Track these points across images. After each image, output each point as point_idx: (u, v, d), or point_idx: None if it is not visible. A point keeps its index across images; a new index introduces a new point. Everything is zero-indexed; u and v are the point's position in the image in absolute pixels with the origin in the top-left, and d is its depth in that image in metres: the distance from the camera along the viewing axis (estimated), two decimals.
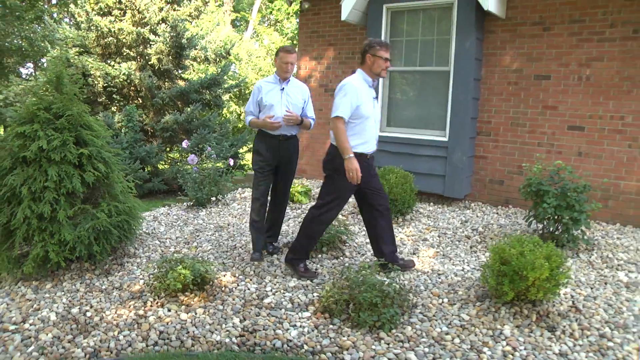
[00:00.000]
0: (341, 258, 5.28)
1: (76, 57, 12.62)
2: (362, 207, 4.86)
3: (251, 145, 11.86)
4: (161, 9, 13.37)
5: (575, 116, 6.71)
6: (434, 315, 3.97)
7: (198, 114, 12.65)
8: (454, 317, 3.94)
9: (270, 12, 28.67)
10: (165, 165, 12.56)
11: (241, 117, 25.37)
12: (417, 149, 7.37)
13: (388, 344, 3.56)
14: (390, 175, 6.34)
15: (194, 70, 15.71)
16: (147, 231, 6.43)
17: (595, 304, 4.17)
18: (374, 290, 3.82)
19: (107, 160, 5.39)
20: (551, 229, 5.45)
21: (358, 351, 3.48)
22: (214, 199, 7.90)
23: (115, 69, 12.54)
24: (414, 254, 5.38)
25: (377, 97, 4.98)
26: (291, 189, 7.17)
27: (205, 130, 11.62)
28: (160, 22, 13.29)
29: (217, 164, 8.42)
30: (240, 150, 14.24)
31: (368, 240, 5.72)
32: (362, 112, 4.47)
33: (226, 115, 24.81)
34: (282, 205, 5.46)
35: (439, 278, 4.71)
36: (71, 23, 14.83)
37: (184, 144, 8.81)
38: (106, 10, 13.28)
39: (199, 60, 14.47)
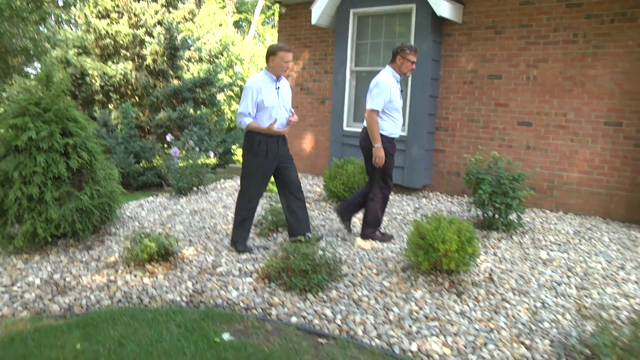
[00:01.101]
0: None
1: (75, 57, 13.30)
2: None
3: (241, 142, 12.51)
4: (157, 12, 14.04)
5: (524, 113, 7.30)
6: (359, 283, 4.57)
7: (192, 111, 13.29)
8: (377, 284, 4.54)
9: (273, 14, 29.32)
10: (160, 161, 13.18)
11: None
12: None
13: (312, 303, 4.17)
14: (349, 166, 6.96)
15: (188, 70, 16.34)
16: (130, 215, 7.08)
17: (510, 276, 4.75)
18: (306, 260, 4.43)
19: (91, 150, 6.02)
20: (488, 213, 6.04)
21: (284, 307, 4.10)
22: (195, 188, 8.52)
23: (113, 69, 13.23)
24: (363, 234, 5.98)
25: (402, 91, 5.64)
26: None
27: (196, 127, 12.26)
28: (156, 24, 13.97)
29: (205, 159, 9.05)
30: (234, 147, 14.84)
31: (321, 222, 6.36)
32: (394, 104, 5.33)
33: (228, 114, 25.46)
34: (302, 199, 5.46)
35: (376, 254, 5.31)
36: (72, 25, 15.56)
37: (168, 137, 9.43)
38: (104, 13, 13.97)
39: (193, 60, 15.12)
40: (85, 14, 13.53)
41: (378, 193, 5.56)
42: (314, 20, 8.31)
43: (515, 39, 7.30)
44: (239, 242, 5.42)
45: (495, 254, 5.31)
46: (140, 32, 13.82)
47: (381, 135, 5.34)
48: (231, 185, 8.74)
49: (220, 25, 28.22)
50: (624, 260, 5.25)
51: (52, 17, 20.39)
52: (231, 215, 6.85)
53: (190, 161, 8.45)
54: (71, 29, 15.19)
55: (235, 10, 30.97)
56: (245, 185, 5.32)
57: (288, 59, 5.04)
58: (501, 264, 5.04)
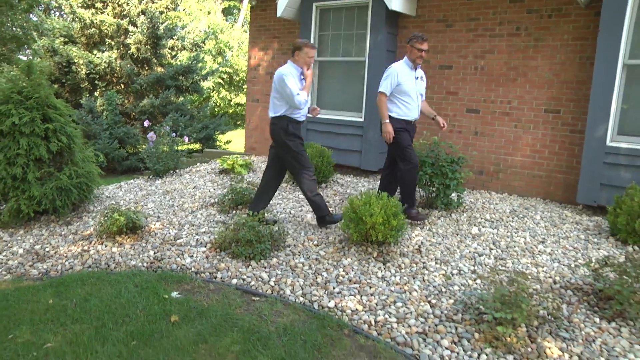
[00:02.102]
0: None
1: (62, 46, 13.84)
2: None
3: (224, 128, 13.07)
4: (140, 2, 14.56)
5: (472, 101, 7.89)
6: (299, 252, 5.18)
7: (174, 98, 13.86)
8: (314, 253, 5.15)
9: None
10: (144, 146, 13.77)
11: (231, 103, 26.56)
12: (339, 128, 8.60)
13: (253, 268, 4.79)
14: (308, 150, 7.54)
15: (176, 57, 16.90)
16: (108, 195, 7.69)
17: (437, 248, 5.35)
18: (252, 231, 5.05)
19: (70, 134, 6.63)
20: (428, 193, 6.65)
21: (228, 272, 4.73)
22: (171, 171, 9.11)
23: (98, 58, 13.78)
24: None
25: (418, 78, 6.15)
26: (232, 162, 8.42)
27: (177, 114, 12.84)
28: (140, 14, 14.49)
29: (181, 145, 9.61)
30: (220, 135, 15.42)
31: (279, 201, 6.96)
32: (403, 88, 5.90)
33: (217, 101, 26.01)
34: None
35: (321, 228, 5.92)
36: (58, 14, 16.08)
37: (145, 123, 10.00)
38: (90, 3, 14.48)
39: (176, 49, 15.65)
40: (70, 4, 14.04)
41: (403, 169, 6.03)
42: (279, 13, 8.86)
43: (464, 31, 7.87)
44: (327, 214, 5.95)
45: (430, 230, 5.90)
46: (125, 21, 14.35)
47: (391, 117, 5.97)
48: (205, 169, 9.31)
49: (209, 13, 28.65)
50: (547, 235, 5.85)
51: (41, 5, 20.90)
52: (199, 194, 7.44)
53: (165, 147, 9.00)
54: (60, 16, 15.68)
55: None
56: (303, 161, 5.81)
57: (312, 54, 5.68)
58: (433, 238, 5.63)
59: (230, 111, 26.42)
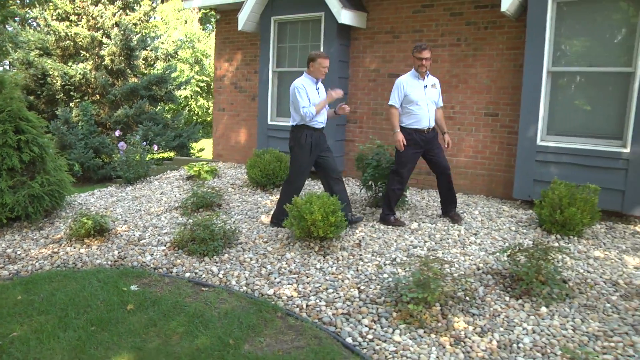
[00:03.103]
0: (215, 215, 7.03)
1: (37, 58, 14.30)
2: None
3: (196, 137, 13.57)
4: (114, 14, 15.06)
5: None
6: (249, 248, 5.73)
7: (148, 107, 14.36)
8: (262, 249, 5.70)
9: None
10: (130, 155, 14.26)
11: (209, 111, 27.07)
12: None
13: (206, 263, 5.34)
14: (266, 156, 8.09)
15: (153, 67, 17.38)
16: (81, 202, 8.18)
17: (376, 242, 5.90)
18: (206, 230, 5.59)
19: (42, 144, 7.13)
20: (372, 193, 7.21)
21: (183, 267, 5.27)
22: (141, 178, 9.61)
23: (73, 69, 14.24)
24: (268, 213, 7.09)
25: (427, 86, 6.39)
26: (199, 169, 8.94)
27: (150, 123, 13.34)
28: (114, 26, 14.99)
29: (157, 153, 10.10)
30: (194, 143, 15.92)
31: (238, 204, 7.50)
32: (411, 98, 6.27)
33: (195, 110, 26.51)
34: (341, 181, 6.55)
35: (273, 227, 6.46)
36: (34, 26, 16.55)
37: (117, 133, 10.49)
38: (64, 15, 14.96)
39: (150, 59, 16.16)
40: (45, 17, 14.52)
41: (390, 178, 6.60)
42: (240, 27, 9.42)
43: (410, 42, 8.46)
44: None
45: (372, 226, 6.45)
46: (99, 34, 14.84)
47: (402, 127, 6.38)
48: (174, 175, 9.81)
49: (186, 22, 29.13)
50: (481, 228, 6.42)
51: (17, 17, 21.33)
52: (165, 199, 7.96)
53: (137, 156, 9.50)
54: (35, 29, 16.12)
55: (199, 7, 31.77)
56: (293, 177, 6.27)
57: (326, 64, 6.06)
58: (374, 234, 6.18)
59: (208, 119, 26.94)
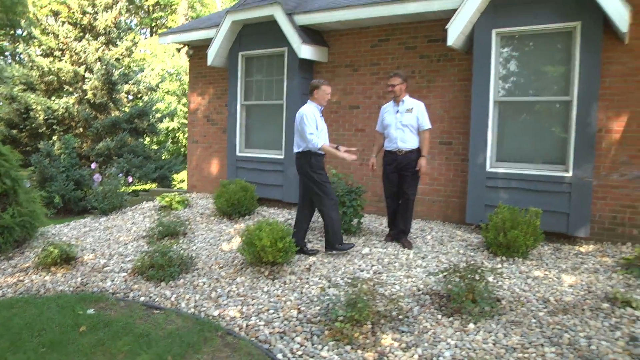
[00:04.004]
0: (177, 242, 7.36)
1: (20, 93, 14.73)
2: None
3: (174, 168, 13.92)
4: (97, 49, 15.53)
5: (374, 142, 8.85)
6: (204, 274, 6.06)
7: (128, 140, 14.76)
8: (216, 274, 6.03)
9: None
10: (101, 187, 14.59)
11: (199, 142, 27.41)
12: (264, 165, 9.55)
13: (162, 288, 5.67)
14: (231, 186, 8.45)
15: (140, 99, 17.77)
16: (54, 233, 8.51)
17: (325, 267, 6.22)
18: (164, 257, 5.92)
19: (15, 177, 7.48)
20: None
21: (139, 291, 5.60)
22: (116, 209, 9.94)
23: (56, 103, 14.67)
24: (230, 241, 7.42)
25: (399, 111, 6.92)
26: (170, 199, 9.29)
27: (131, 155, 13.72)
28: (97, 61, 15.46)
29: (137, 184, 10.43)
30: (176, 175, 16.29)
31: (202, 232, 7.83)
32: (384, 123, 7.03)
33: (182, 141, 26.91)
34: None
35: (231, 254, 6.79)
36: (18, 60, 17.03)
37: (93, 165, 10.85)
38: (48, 51, 15.43)
39: (132, 93, 16.60)
40: (29, 53, 14.98)
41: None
42: (209, 62, 9.86)
43: (368, 75, 8.89)
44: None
45: (326, 252, 6.78)
46: (82, 68, 15.30)
47: (385, 150, 6.98)
48: (148, 206, 10.14)
49: (174, 55, 29.64)
50: (431, 252, 6.73)
51: (7, 52, 21.84)
52: (135, 229, 8.29)
53: (119, 187, 9.85)
54: (19, 63, 16.59)
55: None
56: (329, 192, 6.49)
57: (329, 91, 6.51)
58: (325, 259, 6.50)
59: None
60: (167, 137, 22.98)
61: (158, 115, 16.55)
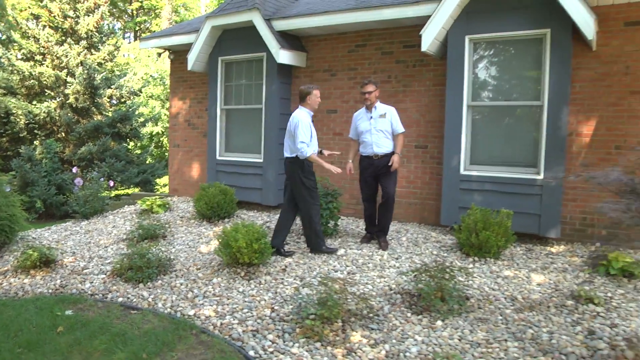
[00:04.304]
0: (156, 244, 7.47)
1: (0, 98, 14.74)
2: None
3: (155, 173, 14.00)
4: (79, 54, 15.59)
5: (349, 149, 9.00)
6: (182, 275, 6.18)
7: (111, 144, 14.82)
8: (193, 275, 6.15)
9: None
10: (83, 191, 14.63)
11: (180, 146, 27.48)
12: (243, 169, 9.68)
13: (140, 289, 5.78)
14: (211, 189, 8.57)
15: (110, 107, 17.82)
16: (35, 237, 8.57)
17: (301, 268, 6.34)
18: (142, 259, 6.04)
19: None
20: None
21: (117, 292, 5.71)
22: (98, 213, 10.02)
23: (37, 108, 14.70)
24: (208, 243, 7.54)
25: (373, 117, 7.07)
26: (151, 203, 9.39)
27: (113, 159, 13.79)
28: (79, 65, 15.51)
29: (123, 189, 10.51)
30: (159, 180, 16.34)
31: (182, 235, 7.94)
32: (359, 129, 7.22)
33: (166, 146, 26.92)
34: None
35: (209, 256, 6.91)
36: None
37: (74, 169, 10.93)
38: (29, 55, 15.46)
39: (114, 98, 16.66)
40: (8, 57, 15.00)
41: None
42: (189, 67, 9.99)
43: (345, 79, 9.05)
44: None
45: (302, 253, 6.91)
46: (63, 73, 15.34)
47: (361, 156, 7.18)
48: (129, 210, 10.23)
49: (157, 59, 29.66)
50: (405, 253, 6.88)
51: None
52: (115, 232, 8.39)
53: (102, 191, 9.93)
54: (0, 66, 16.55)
55: None
56: (313, 199, 6.71)
57: (319, 94, 6.76)
58: (301, 260, 6.64)
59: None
60: (150, 141, 23.01)
61: (141, 119, 16.59)
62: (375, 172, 7.10)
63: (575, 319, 4.82)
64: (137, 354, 4.28)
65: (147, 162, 17.60)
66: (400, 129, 7.03)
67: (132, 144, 18.70)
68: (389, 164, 6.99)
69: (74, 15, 15.97)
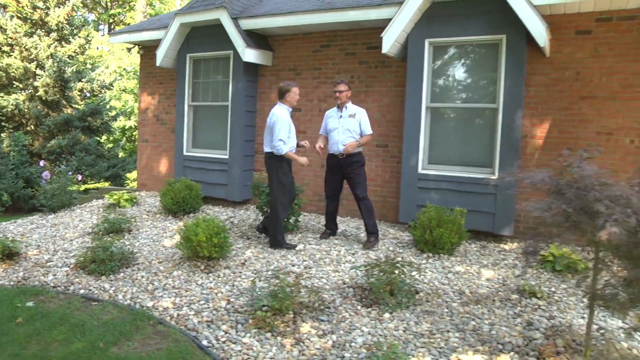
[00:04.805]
0: (121, 238, 7.63)
1: None
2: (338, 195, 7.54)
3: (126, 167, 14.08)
4: (49, 46, 15.58)
5: (318, 138, 9.21)
6: (144, 268, 6.36)
7: (82, 138, 14.85)
8: (155, 268, 6.34)
9: None
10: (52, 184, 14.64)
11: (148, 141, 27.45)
12: (209, 165, 9.86)
13: (102, 281, 5.96)
14: (177, 184, 8.74)
15: (82, 100, 17.79)
16: None
17: (260, 262, 6.53)
18: (106, 252, 6.21)
19: None
20: (264, 216, 7.88)
21: (80, 285, 5.89)
22: (65, 207, 10.12)
23: (5, 100, 14.67)
24: (172, 237, 7.71)
25: (342, 116, 7.26)
26: (118, 197, 9.52)
27: (83, 153, 13.85)
28: (49, 57, 15.50)
29: (94, 183, 10.58)
30: (129, 174, 16.42)
31: (147, 229, 8.11)
32: (328, 127, 7.44)
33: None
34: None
35: (172, 250, 7.09)
36: None
37: (41, 163, 11.00)
38: None
39: (85, 91, 16.67)
40: None
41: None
42: (157, 62, 10.14)
43: (310, 79, 9.27)
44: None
45: (262, 248, 7.10)
46: (32, 65, 15.32)
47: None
48: (97, 204, 10.35)
49: (130, 52, 29.55)
50: (362, 249, 7.08)
51: None
52: (82, 225, 8.53)
53: (59, 185, 10.03)
54: None
55: None
56: (284, 195, 6.97)
57: (298, 92, 6.99)
58: (260, 255, 6.84)
59: None
60: (123, 135, 23.05)
61: (112, 113, 16.62)
62: (340, 171, 7.33)
63: (517, 311, 5.11)
64: (94, 344, 4.47)
65: (120, 156, 17.64)
66: (367, 130, 7.20)
67: (105, 138, 18.70)
68: (356, 164, 7.26)
69: (44, 6, 15.94)
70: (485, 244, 7.40)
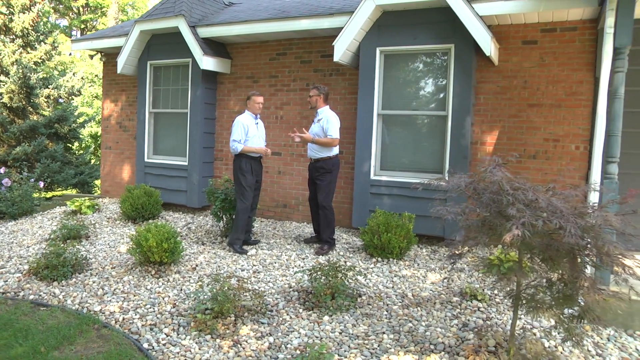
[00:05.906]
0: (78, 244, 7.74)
1: None
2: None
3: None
4: (14, 52, 15.58)
5: (275, 145, 9.43)
6: (97, 274, 6.50)
7: (48, 145, 14.87)
8: (107, 274, 6.48)
9: None
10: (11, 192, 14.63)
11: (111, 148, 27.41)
12: (169, 171, 10.02)
13: (53, 287, 6.09)
14: (136, 191, 8.88)
15: (49, 107, 17.76)
16: None
17: (210, 266, 6.72)
18: (59, 258, 6.34)
19: None
20: (220, 223, 8.06)
21: (30, 290, 6.01)
22: (27, 214, 10.19)
23: None
24: (128, 243, 7.83)
25: (314, 121, 7.52)
26: (80, 204, 9.63)
27: (49, 160, 13.89)
28: (14, 64, 15.51)
29: (60, 190, 10.62)
30: (97, 181, 16.43)
31: (105, 235, 8.24)
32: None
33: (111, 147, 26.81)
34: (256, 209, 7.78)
35: (126, 256, 7.22)
36: None
37: (2, 170, 11.03)
38: None
39: (52, 97, 16.67)
40: None
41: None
42: (118, 70, 10.28)
43: (267, 86, 9.47)
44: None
45: (215, 253, 7.28)
46: None
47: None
48: (59, 211, 10.41)
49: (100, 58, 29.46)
50: (312, 254, 7.27)
51: None
52: (41, 232, 8.62)
53: (20, 192, 10.10)
54: None
55: None
56: (243, 197, 7.26)
57: (259, 100, 7.30)
58: (212, 260, 7.00)
59: None
60: (95, 142, 23.03)
61: (80, 120, 16.65)
62: (311, 175, 7.59)
63: (456, 313, 5.33)
64: (35, 348, 4.62)
65: (92, 162, 17.64)
66: (329, 133, 7.21)
67: (76, 145, 18.69)
68: (321, 169, 7.40)
69: (8, 12, 15.95)
70: (436, 248, 7.62)
